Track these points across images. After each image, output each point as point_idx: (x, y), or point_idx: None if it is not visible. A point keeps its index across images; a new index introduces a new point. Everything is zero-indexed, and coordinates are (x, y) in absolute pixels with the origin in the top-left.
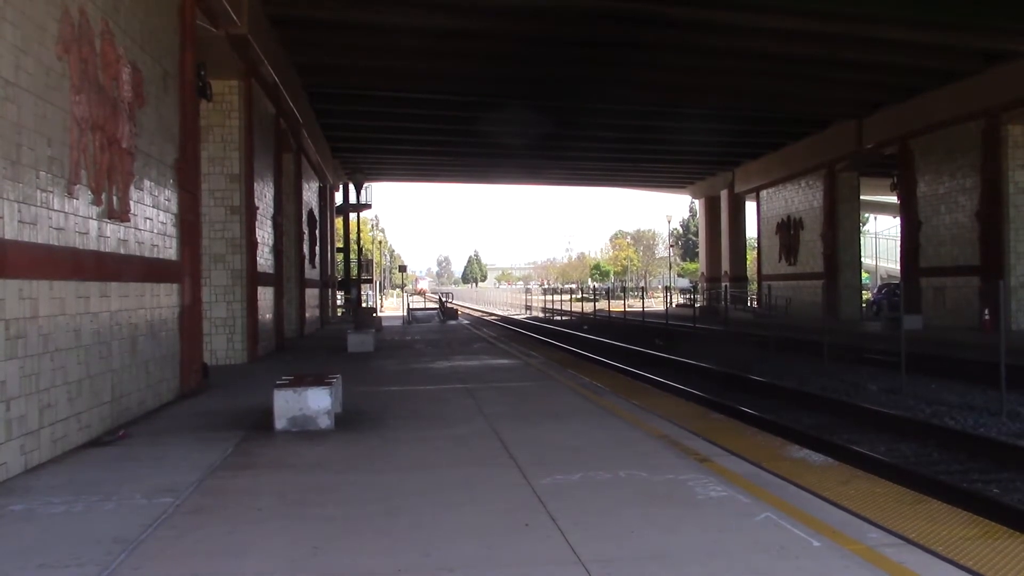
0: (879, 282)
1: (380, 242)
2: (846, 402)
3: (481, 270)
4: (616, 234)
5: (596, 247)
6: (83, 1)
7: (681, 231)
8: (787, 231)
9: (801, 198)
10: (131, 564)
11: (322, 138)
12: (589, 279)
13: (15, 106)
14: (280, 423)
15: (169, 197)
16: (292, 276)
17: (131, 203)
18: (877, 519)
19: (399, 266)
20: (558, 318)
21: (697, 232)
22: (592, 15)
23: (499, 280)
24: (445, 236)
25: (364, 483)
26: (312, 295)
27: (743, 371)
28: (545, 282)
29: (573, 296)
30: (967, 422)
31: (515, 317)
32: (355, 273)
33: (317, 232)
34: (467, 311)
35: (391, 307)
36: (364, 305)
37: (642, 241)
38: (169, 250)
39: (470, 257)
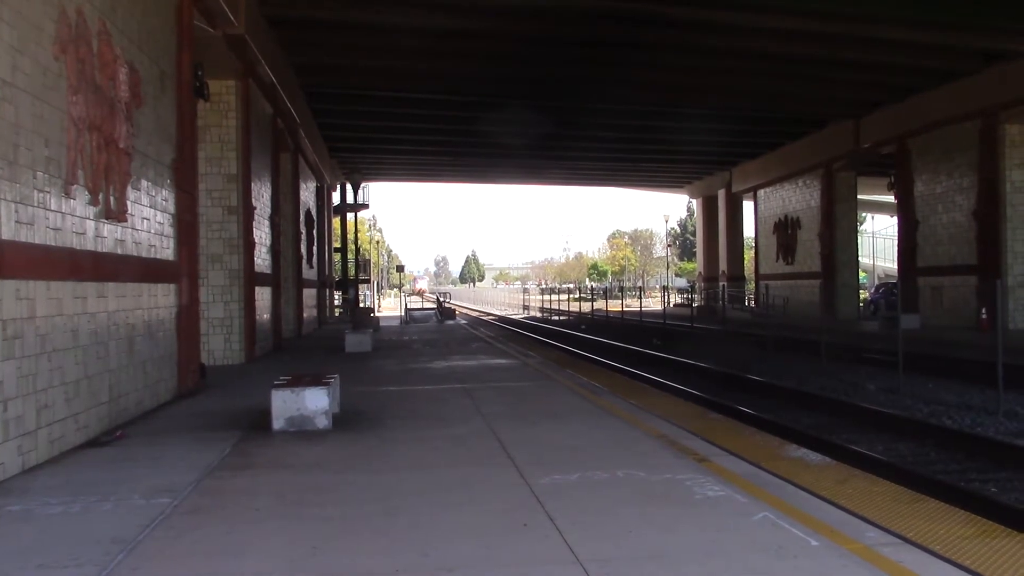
0: (876, 281)
1: (378, 242)
2: (844, 402)
3: (479, 270)
4: (614, 234)
5: (594, 247)
6: (80, 1)
7: (678, 231)
8: (785, 231)
9: (799, 197)
10: (129, 564)
11: (320, 138)
12: (587, 279)
13: (12, 106)
14: (278, 423)
15: (166, 197)
16: (290, 276)
17: (128, 203)
18: (875, 518)
19: (397, 266)
20: (556, 318)
21: (695, 232)
22: (592, 15)
23: (497, 280)
24: (443, 236)
25: (362, 483)
26: (310, 295)
27: (741, 371)
28: (543, 282)
29: (571, 296)
30: (965, 421)
31: (513, 317)
32: (353, 273)
33: (315, 232)
34: (465, 311)
35: (389, 307)
36: (362, 305)
37: (639, 241)
38: (166, 250)
39: (468, 257)
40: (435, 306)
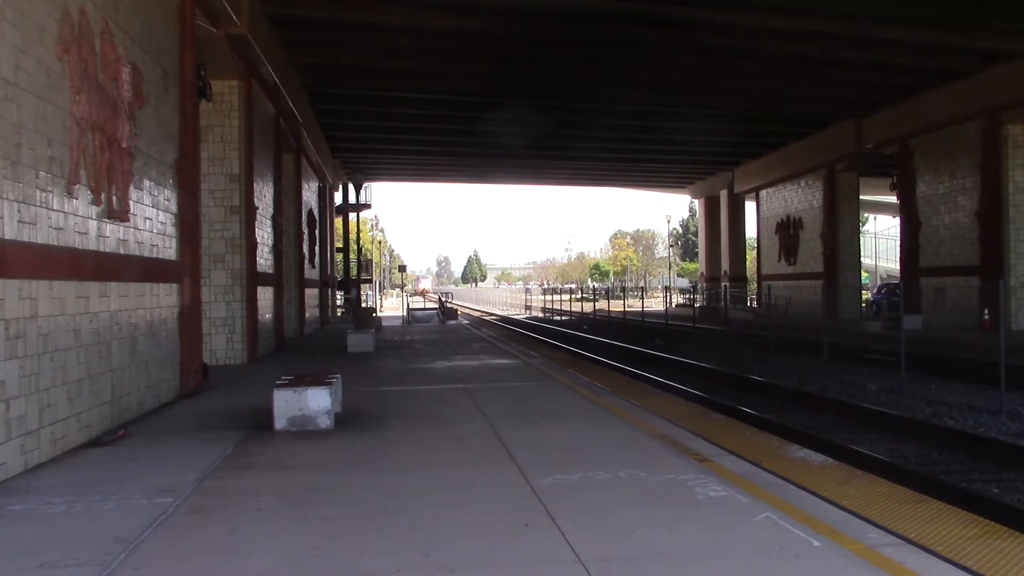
0: (879, 282)
1: (380, 242)
2: (846, 402)
3: (481, 270)
4: (616, 234)
5: (596, 247)
6: (83, 1)
7: (681, 231)
8: (787, 231)
9: (801, 198)
10: (131, 564)
11: (322, 138)
12: (589, 279)
13: (15, 106)
14: (280, 423)
15: (169, 197)
16: (292, 276)
17: (131, 203)
18: (877, 519)
19: (399, 266)
20: (558, 318)
21: (697, 232)
22: (592, 15)
23: (499, 280)
24: (445, 236)
25: (364, 483)
26: (312, 295)
27: (743, 371)
28: (545, 282)
29: (573, 296)
30: (967, 422)
31: (515, 317)
32: (355, 273)
33: (317, 232)
34: (467, 311)
35: (391, 307)
36: (364, 305)
37: (641, 241)
38: (169, 250)
39: (470, 257)
40: (437, 306)
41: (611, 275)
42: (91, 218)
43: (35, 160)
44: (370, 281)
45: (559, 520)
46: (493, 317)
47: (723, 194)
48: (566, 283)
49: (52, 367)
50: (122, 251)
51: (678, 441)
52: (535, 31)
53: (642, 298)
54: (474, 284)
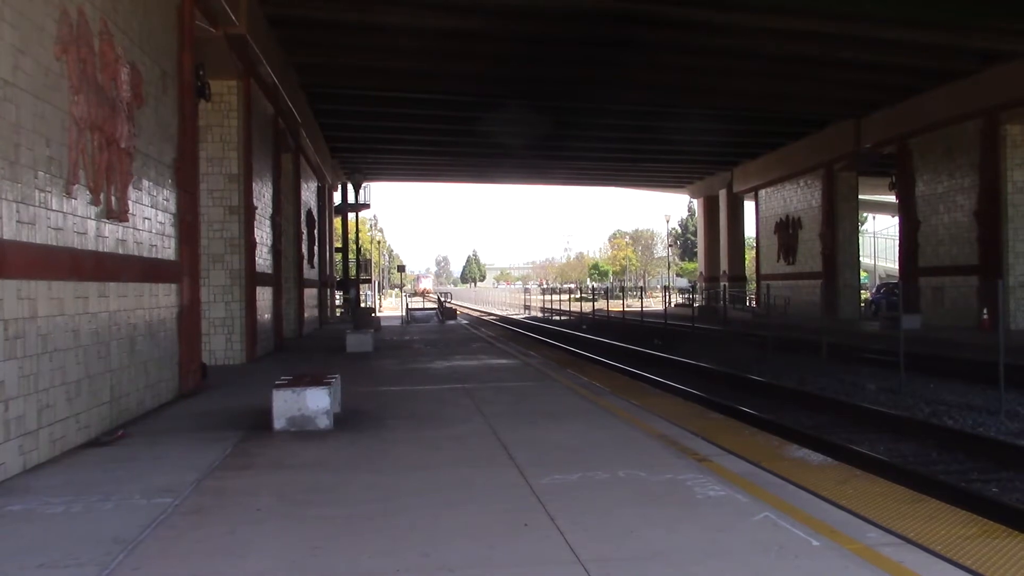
0: (878, 281)
1: (379, 242)
2: (845, 402)
3: (480, 270)
4: (615, 234)
5: (595, 247)
6: (81, 1)
7: (680, 231)
8: (786, 231)
9: (800, 198)
10: (130, 564)
11: (321, 138)
12: (588, 279)
13: (13, 106)
14: (279, 423)
15: (168, 197)
16: (291, 276)
17: (130, 203)
18: (876, 518)
19: (398, 266)
20: (557, 318)
21: (696, 232)
22: (592, 15)
23: (498, 280)
24: (444, 236)
25: (363, 483)
26: (311, 295)
27: (742, 371)
28: (544, 282)
29: (572, 296)
30: (966, 421)
31: (514, 317)
32: (354, 273)
33: (316, 232)
34: (466, 311)
35: (390, 307)
36: (363, 305)
37: (640, 241)
38: (168, 250)
39: (469, 257)
40: (436, 306)
41: (610, 275)
42: (90, 218)
43: (34, 160)
44: (369, 281)
45: (558, 520)
46: (492, 317)
47: (722, 194)
48: (565, 283)
49: (51, 367)
50: (121, 251)
51: (677, 441)
52: (533, 31)
53: (641, 298)
54: (473, 284)
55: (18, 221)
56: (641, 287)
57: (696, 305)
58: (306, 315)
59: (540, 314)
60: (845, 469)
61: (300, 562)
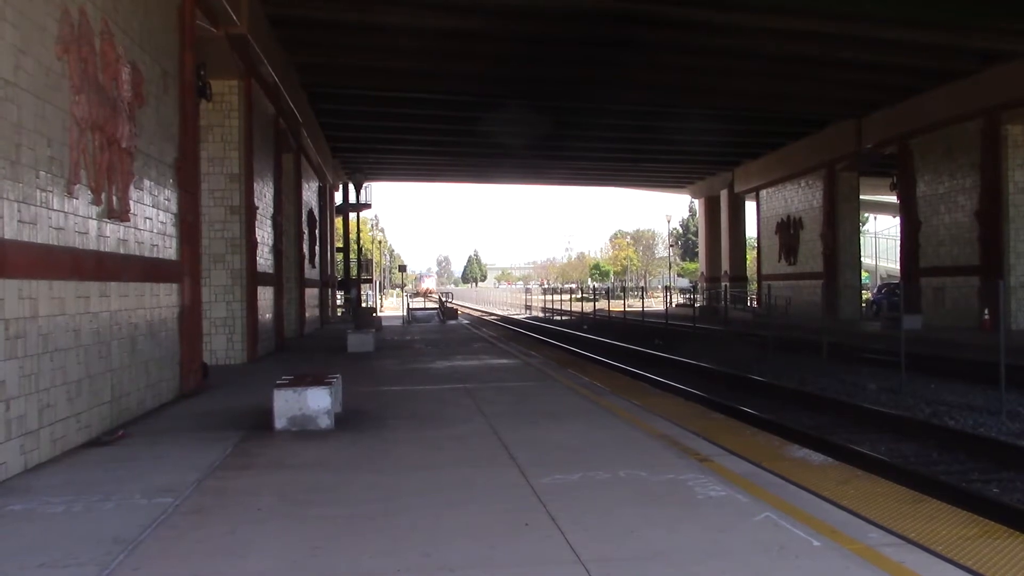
0: (879, 282)
1: (380, 242)
2: (846, 402)
3: (481, 270)
4: (616, 234)
5: (596, 247)
6: (82, 1)
7: (681, 231)
8: (787, 231)
9: (801, 198)
10: (131, 564)
11: (322, 138)
12: (589, 279)
13: (15, 106)
14: (280, 423)
15: (169, 197)
16: (292, 276)
17: (131, 203)
18: (877, 519)
19: (399, 266)
20: (558, 318)
21: (697, 232)
22: (592, 15)
23: (499, 280)
24: (445, 236)
25: (364, 483)
26: (312, 295)
27: (743, 371)
28: (545, 282)
29: (573, 296)
30: (967, 422)
31: (515, 317)
32: (355, 273)
33: (317, 232)
34: (467, 311)
35: (391, 307)
36: (364, 305)
37: (642, 241)
38: (169, 250)
39: (470, 257)
40: (437, 306)
41: (611, 275)
42: (91, 218)
43: (35, 160)
44: (370, 281)
45: (559, 520)
46: (493, 317)
47: (723, 194)
48: (566, 283)
49: (52, 367)
50: (122, 251)
51: (678, 441)
52: (534, 31)
53: (642, 298)
54: (474, 284)
55: (19, 221)
56: (642, 287)
57: (697, 305)
58: (307, 315)
59: (541, 314)
60: (846, 469)
61: (301, 562)
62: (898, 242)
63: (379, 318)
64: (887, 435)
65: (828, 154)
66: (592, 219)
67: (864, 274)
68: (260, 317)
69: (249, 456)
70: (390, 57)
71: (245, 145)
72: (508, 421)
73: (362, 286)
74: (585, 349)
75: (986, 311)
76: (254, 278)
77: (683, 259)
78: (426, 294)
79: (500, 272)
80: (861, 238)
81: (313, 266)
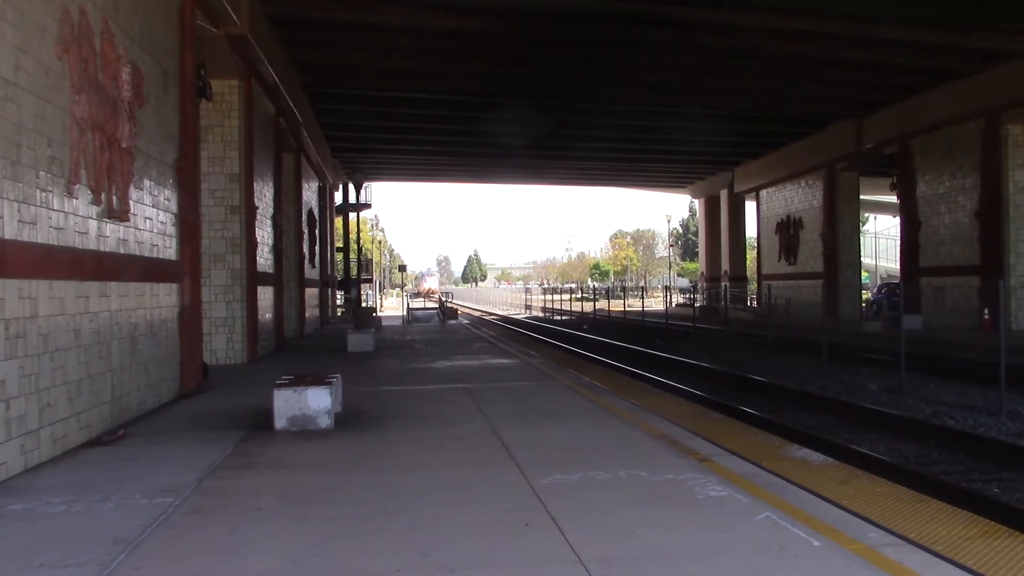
0: (879, 282)
1: (380, 242)
2: (846, 402)
3: (481, 270)
4: (616, 234)
5: (596, 247)
6: (83, 1)
7: (681, 231)
8: (787, 231)
9: (801, 198)
10: (131, 564)
11: (322, 138)
12: (589, 279)
13: (15, 106)
14: (280, 423)
15: (169, 197)
16: (292, 276)
17: (131, 203)
18: (877, 519)
19: (399, 265)
20: (558, 318)
21: (697, 232)
22: (592, 15)
23: (499, 280)
24: (445, 236)
25: (364, 483)
26: (312, 295)
27: (743, 371)
28: (545, 282)
29: (573, 296)
30: (967, 422)
31: (515, 317)
32: (355, 273)
33: (317, 232)
34: (467, 311)
35: (391, 307)
36: (364, 305)
37: (642, 241)
38: (169, 250)
39: (470, 257)
40: (437, 306)
41: (611, 275)
42: (91, 218)
43: (35, 160)
44: (370, 281)
45: (559, 520)
46: (493, 317)
47: (723, 194)
48: (566, 283)
49: (52, 367)
50: (122, 251)
51: (678, 441)
52: (534, 31)
53: (642, 298)
54: (474, 284)
55: (20, 221)
56: (642, 287)
57: (697, 305)
58: (307, 315)
59: (541, 314)
60: (846, 469)
61: (301, 562)
62: (898, 242)
63: (379, 318)
64: (887, 435)
65: (828, 154)
66: (592, 219)
67: (864, 274)
68: (260, 317)
69: (249, 456)
70: (390, 57)
71: (245, 145)
72: (508, 421)
73: (362, 286)
74: (585, 349)
75: (986, 311)
76: (254, 278)
77: (683, 259)
78: (428, 294)
79: (500, 272)
80: (861, 238)
81: (313, 266)
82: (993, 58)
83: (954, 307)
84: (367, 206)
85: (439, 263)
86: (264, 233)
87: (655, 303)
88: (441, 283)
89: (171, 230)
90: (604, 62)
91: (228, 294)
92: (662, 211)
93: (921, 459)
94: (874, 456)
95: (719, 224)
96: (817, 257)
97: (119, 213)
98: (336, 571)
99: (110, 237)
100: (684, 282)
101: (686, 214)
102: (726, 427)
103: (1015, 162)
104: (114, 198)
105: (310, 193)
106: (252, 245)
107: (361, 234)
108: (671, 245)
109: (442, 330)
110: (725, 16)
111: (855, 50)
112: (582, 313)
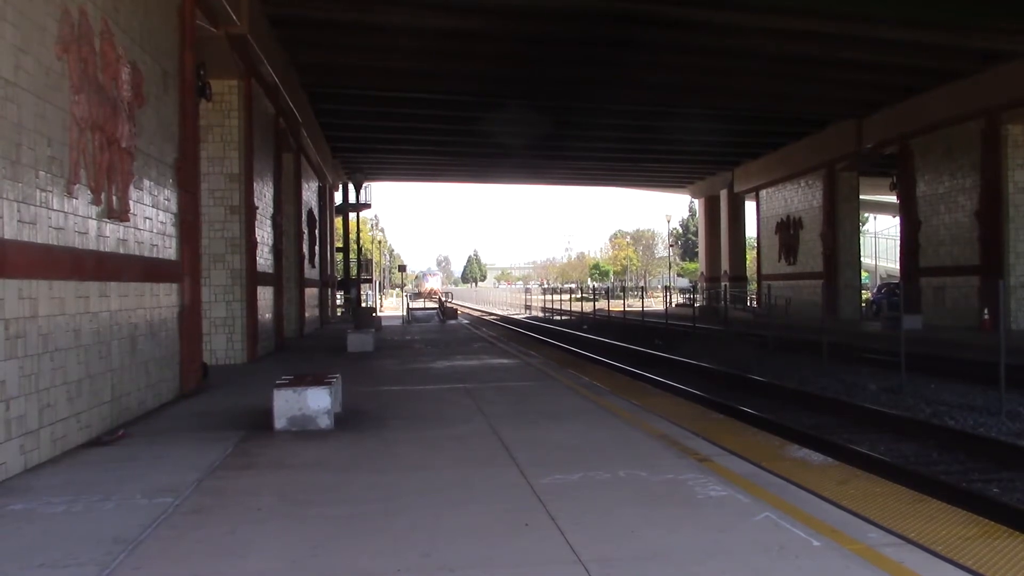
0: (879, 282)
1: (380, 242)
2: (846, 402)
3: (480, 270)
4: (616, 234)
5: (596, 247)
6: (83, 1)
7: (681, 231)
8: (787, 231)
9: (801, 198)
10: (131, 564)
11: (322, 138)
12: (589, 279)
13: (15, 106)
14: (280, 423)
15: (168, 197)
16: (292, 276)
17: (131, 203)
18: (877, 519)
19: (399, 265)
20: (558, 318)
21: (697, 232)
22: (592, 15)
23: (499, 280)
24: (445, 236)
25: (364, 483)
26: (312, 295)
27: (743, 371)
28: (545, 282)
29: (573, 296)
30: (967, 422)
31: (515, 317)
32: (355, 273)
33: (317, 232)
34: (466, 311)
35: (391, 307)
36: (364, 305)
37: (641, 241)
38: (169, 250)
39: (469, 257)
40: (437, 306)
41: (611, 275)
42: (91, 218)
43: (35, 160)
44: (370, 281)
45: (559, 520)
46: (493, 317)
47: (723, 194)
48: (566, 283)
49: (52, 367)
50: (122, 251)
51: (678, 441)
52: (534, 31)
53: (642, 298)
54: (474, 284)
55: (19, 221)
56: (642, 287)
57: (697, 305)
58: (307, 315)
59: (541, 314)
60: (846, 469)
61: (301, 562)
62: (898, 242)
63: (379, 318)
64: (887, 435)
65: (828, 154)
66: (592, 219)
67: (864, 274)
68: (260, 317)
69: (249, 456)
70: (390, 57)
71: (245, 145)
72: (508, 421)
73: (362, 286)
74: (585, 349)
75: (986, 311)
76: (254, 278)
77: (683, 259)
78: (429, 295)
79: (500, 272)
80: (861, 238)
81: (313, 266)
82: (993, 58)
83: (954, 307)
84: (367, 206)
85: (439, 263)
86: (264, 233)
87: (655, 303)
88: (442, 283)
89: (171, 230)
90: (604, 62)
91: (228, 294)
92: (662, 211)
93: (921, 459)
94: (874, 456)
95: (719, 224)
96: (817, 257)
97: (119, 213)
98: (336, 571)
99: (110, 237)
100: (684, 282)
101: (686, 214)
102: (726, 427)
103: (1015, 162)
104: (114, 198)
105: (310, 193)
106: (252, 245)
107: (361, 234)
108: (671, 245)
109: (442, 330)
110: (725, 16)
111: (855, 50)
112: (582, 313)
